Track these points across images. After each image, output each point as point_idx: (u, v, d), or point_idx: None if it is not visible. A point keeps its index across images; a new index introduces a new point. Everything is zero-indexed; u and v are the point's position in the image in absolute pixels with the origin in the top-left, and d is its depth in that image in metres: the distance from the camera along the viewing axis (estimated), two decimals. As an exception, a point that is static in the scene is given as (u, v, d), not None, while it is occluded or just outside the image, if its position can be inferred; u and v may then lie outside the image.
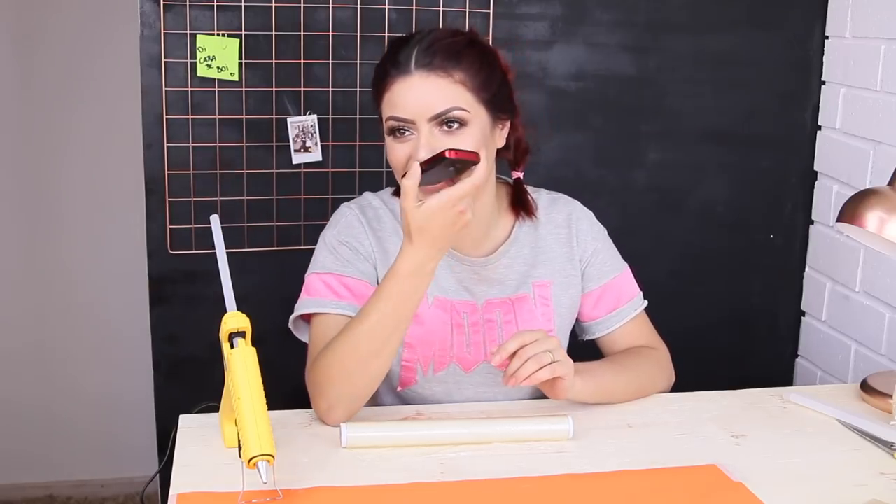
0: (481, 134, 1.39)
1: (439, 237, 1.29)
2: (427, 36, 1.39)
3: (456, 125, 1.37)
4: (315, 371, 1.39)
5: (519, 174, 1.55)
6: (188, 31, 1.92)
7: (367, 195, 1.57)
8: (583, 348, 1.61)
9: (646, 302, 1.62)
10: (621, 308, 1.59)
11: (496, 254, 1.53)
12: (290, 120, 2.00)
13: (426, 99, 1.36)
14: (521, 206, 1.55)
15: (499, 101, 1.42)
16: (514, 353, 1.34)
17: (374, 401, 1.58)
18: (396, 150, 1.39)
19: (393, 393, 1.55)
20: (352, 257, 1.48)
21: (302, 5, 1.96)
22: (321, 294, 1.48)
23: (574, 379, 1.39)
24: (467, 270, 1.52)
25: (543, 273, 1.54)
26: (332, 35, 1.98)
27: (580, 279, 1.57)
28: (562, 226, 1.57)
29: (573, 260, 1.56)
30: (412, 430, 1.36)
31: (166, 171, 1.97)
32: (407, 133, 1.38)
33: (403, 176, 1.32)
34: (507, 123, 1.47)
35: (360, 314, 1.36)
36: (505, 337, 1.47)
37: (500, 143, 1.46)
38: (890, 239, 1.47)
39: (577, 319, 1.61)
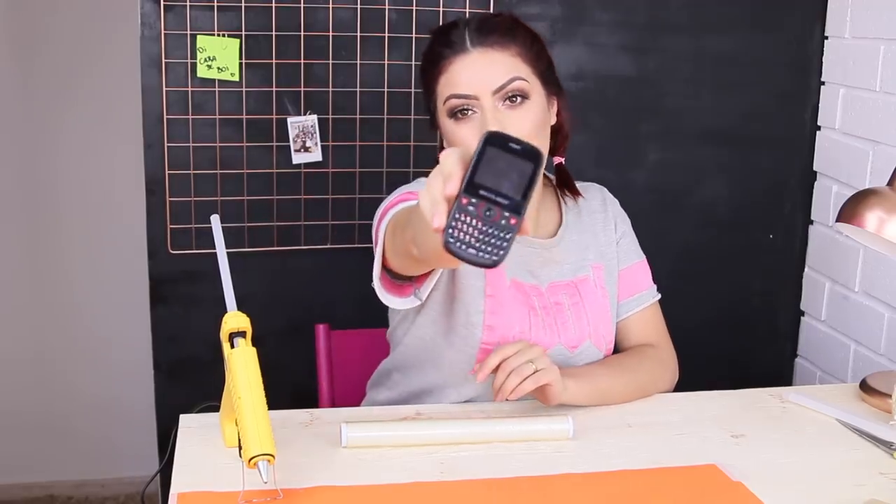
0: (541, 108, 1.41)
1: None
2: (474, 18, 1.42)
3: (519, 98, 1.38)
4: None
5: (560, 159, 1.56)
6: (188, 32, 1.92)
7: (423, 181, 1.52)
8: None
9: (659, 294, 1.63)
10: (640, 294, 1.59)
11: (557, 237, 1.53)
12: (290, 120, 2.00)
13: (487, 73, 1.37)
14: (567, 188, 1.56)
15: (550, 76, 1.46)
16: (498, 368, 1.34)
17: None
18: (463, 131, 1.38)
19: (456, 365, 1.48)
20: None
21: (302, 5, 1.96)
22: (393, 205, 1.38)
23: (566, 382, 1.39)
24: (532, 253, 1.51)
25: (595, 256, 1.56)
26: (332, 35, 1.99)
27: (616, 259, 1.59)
28: (598, 210, 1.59)
29: (612, 243, 1.58)
30: (412, 430, 1.35)
31: (166, 171, 1.97)
32: (469, 112, 1.38)
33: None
34: (556, 102, 1.48)
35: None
36: (574, 320, 1.49)
37: (552, 120, 1.48)
38: (889, 239, 1.47)
39: None
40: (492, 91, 1.37)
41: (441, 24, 1.48)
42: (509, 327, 1.46)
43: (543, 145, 1.43)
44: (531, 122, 1.38)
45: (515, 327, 1.46)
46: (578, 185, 1.60)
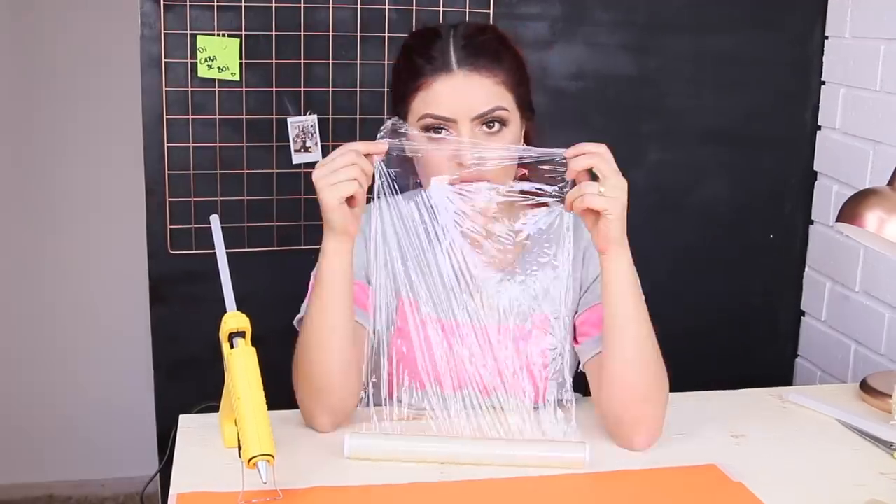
0: (515, 135, 1.39)
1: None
2: (459, 31, 1.38)
3: (497, 125, 1.36)
4: (294, 375, 1.37)
5: (524, 171, 1.51)
6: (188, 32, 1.92)
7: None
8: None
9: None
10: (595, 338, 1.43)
11: (499, 273, 1.42)
12: (290, 120, 2.00)
13: (470, 98, 1.34)
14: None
15: (527, 100, 1.43)
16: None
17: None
18: (436, 150, 1.35)
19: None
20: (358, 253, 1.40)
21: (302, 5, 1.96)
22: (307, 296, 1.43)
23: (620, 239, 1.30)
24: (465, 292, 1.40)
25: (548, 306, 1.42)
26: (332, 35, 1.98)
27: (578, 297, 1.46)
28: (574, 247, 1.45)
29: (575, 281, 1.45)
30: (418, 446, 1.30)
31: (166, 172, 1.97)
32: (444, 132, 1.36)
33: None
34: (525, 124, 1.44)
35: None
36: (500, 361, 1.39)
37: (521, 141, 1.43)
38: (889, 239, 1.47)
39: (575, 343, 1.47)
40: (472, 117, 1.34)
41: (421, 28, 1.43)
42: (410, 356, 1.39)
43: (512, 169, 1.39)
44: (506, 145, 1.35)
45: (422, 364, 1.39)
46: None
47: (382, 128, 1.34)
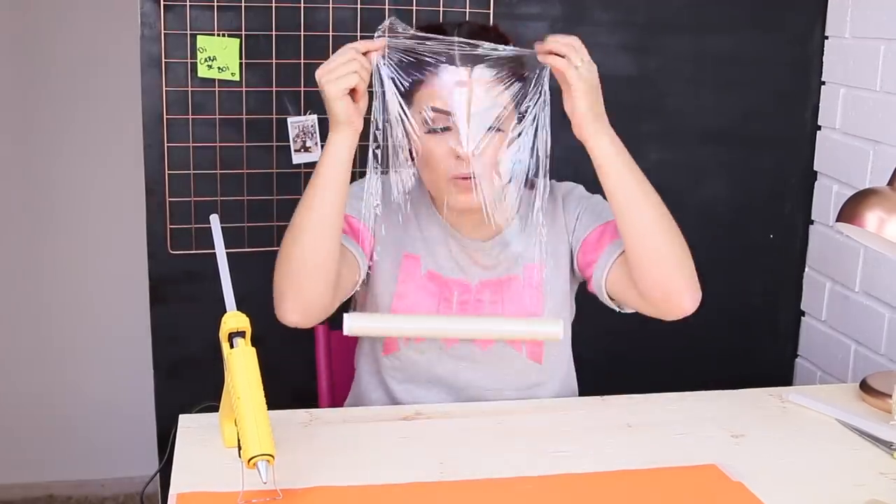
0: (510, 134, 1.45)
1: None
2: (463, 29, 1.44)
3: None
4: (276, 262, 1.46)
5: None
6: (188, 32, 1.92)
7: None
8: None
9: None
10: (607, 247, 1.53)
11: (492, 240, 1.55)
12: (290, 120, 2.00)
13: (471, 94, 1.40)
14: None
15: (521, 98, 1.48)
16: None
17: (362, 398, 1.61)
18: (432, 143, 1.43)
19: (377, 360, 1.58)
20: (359, 194, 1.49)
21: (302, 5, 1.96)
22: None
23: (594, 120, 1.44)
24: (463, 251, 1.55)
25: (535, 255, 1.53)
26: (332, 35, 1.98)
27: (569, 249, 1.56)
28: (549, 203, 1.56)
29: (560, 232, 1.56)
30: (410, 323, 1.47)
31: (166, 171, 1.97)
32: (441, 130, 1.42)
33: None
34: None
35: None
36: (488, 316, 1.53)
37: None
38: (890, 239, 1.47)
39: (584, 275, 1.56)
40: (471, 112, 1.41)
41: (425, 24, 1.49)
42: (412, 312, 1.52)
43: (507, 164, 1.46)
44: (499, 145, 1.43)
45: (419, 313, 1.52)
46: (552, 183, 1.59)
47: (380, 27, 1.41)
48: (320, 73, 1.36)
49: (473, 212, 1.48)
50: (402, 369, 1.56)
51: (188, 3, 1.91)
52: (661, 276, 1.44)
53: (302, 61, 1.98)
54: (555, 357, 1.58)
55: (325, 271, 1.41)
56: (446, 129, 1.42)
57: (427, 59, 1.40)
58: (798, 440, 1.41)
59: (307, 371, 1.82)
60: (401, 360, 1.55)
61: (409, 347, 1.54)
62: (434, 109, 1.42)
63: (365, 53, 1.38)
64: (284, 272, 1.42)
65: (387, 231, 1.51)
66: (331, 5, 1.98)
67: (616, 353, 2.20)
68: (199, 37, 1.93)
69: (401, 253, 1.54)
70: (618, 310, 1.56)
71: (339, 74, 1.35)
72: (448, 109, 1.41)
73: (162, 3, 1.90)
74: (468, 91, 1.40)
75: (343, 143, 1.39)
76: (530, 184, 1.50)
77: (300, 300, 1.41)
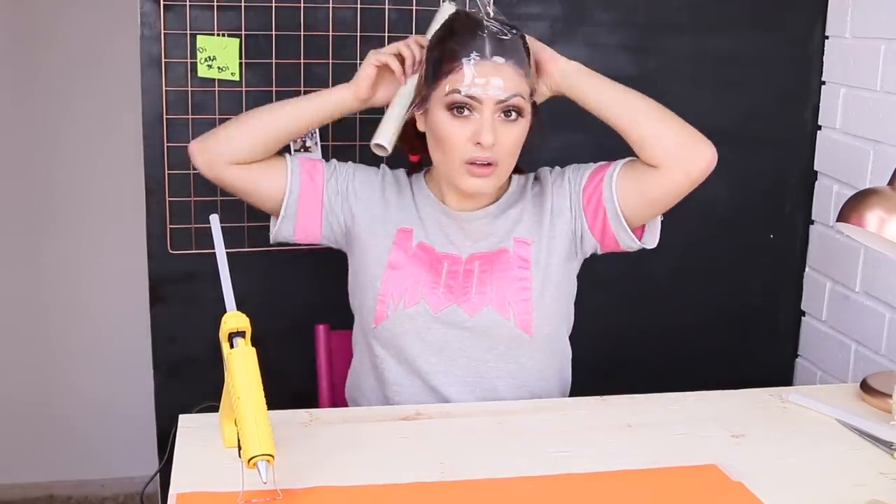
0: (525, 126, 1.53)
1: None
2: (489, 23, 1.53)
3: (514, 115, 1.50)
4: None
5: None
6: (188, 31, 1.92)
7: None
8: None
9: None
10: (607, 170, 1.61)
11: (480, 211, 1.59)
12: (290, 120, 1.99)
13: (497, 84, 1.48)
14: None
15: (534, 97, 1.58)
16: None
17: (358, 391, 1.64)
18: (455, 128, 1.49)
19: (369, 334, 1.60)
20: (345, 173, 1.65)
21: (302, 5, 1.96)
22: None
23: (550, 57, 1.59)
24: (452, 224, 1.59)
25: (525, 231, 1.59)
26: (333, 35, 1.98)
27: (570, 225, 1.60)
28: (537, 185, 1.65)
29: (547, 212, 1.60)
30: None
31: (166, 171, 1.97)
32: (466, 112, 1.48)
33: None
34: (530, 117, 1.57)
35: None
36: (478, 286, 1.55)
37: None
38: (890, 239, 1.47)
39: (598, 209, 1.60)
40: (496, 101, 1.48)
41: (453, 16, 1.59)
42: (402, 280, 1.57)
43: (517, 155, 1.56)
44: (517, 137, 1.51)
45: (408, 280, 1.57)
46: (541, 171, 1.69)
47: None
48: (372, 52, 1.57)
49: (482, 196, 1.56)
50: (392, 337, 1.57)
51: (188, 3, 1.91)
52: (670, 136, 1.54)
53: (302, 61, 1.98)
54: (547, 333, 1.58)
55: (247, 152, 1.59)
56: (471, 113, 1.48)
57: (461, 46, 1.49)
58: (798, 440, 1.41)
59: (307, 371, 1.82)
60: (390, 331, 1.57)
61: (398, 314, 1.56)
62: (463, 94, 1.47)
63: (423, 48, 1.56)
64: (231, 127, 1.62)
65: (384, 208, 1.61)
66: (331, 5, 1.97)
67: (616, 353, 2.20)
68: (198, 37, 1.93)
69: (396, 227, 1.60)
70: (636, 243, 1.61)
71: (385, 50, 1.57)
72: (476, 96, 1.47)
73: (162, 2, 1.90)
74: (500, 80, 1.47)
75: (338, 94, 1.59)
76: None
77: (216, 150, 1.60)
